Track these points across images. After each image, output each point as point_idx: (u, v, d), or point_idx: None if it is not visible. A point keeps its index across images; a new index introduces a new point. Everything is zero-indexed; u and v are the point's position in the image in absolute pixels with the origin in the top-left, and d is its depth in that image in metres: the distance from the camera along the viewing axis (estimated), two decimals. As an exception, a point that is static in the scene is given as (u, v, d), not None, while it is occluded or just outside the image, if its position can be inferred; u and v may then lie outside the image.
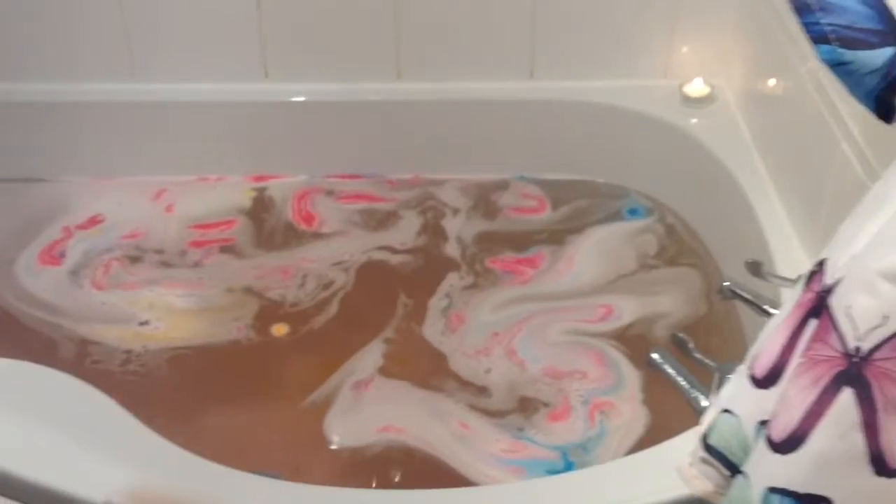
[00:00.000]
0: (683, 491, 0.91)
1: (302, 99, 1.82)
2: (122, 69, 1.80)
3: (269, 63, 1.80)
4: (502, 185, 1.82)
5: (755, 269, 1.25)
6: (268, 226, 1.75)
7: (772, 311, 1.12)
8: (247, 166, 1.86)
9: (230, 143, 1.85)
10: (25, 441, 1.10)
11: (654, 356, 1.11)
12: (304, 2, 1.73)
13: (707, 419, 0.77)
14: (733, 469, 0.72)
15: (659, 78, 1.78)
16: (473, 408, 1.42)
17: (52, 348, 1.51)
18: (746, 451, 0.71)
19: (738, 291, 1.16)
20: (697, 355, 1.10)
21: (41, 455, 1.08)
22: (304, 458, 1.36)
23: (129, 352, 1.50)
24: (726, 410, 0.74)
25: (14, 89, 1.81)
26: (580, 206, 1.78)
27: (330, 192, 1.82)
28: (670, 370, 1.09)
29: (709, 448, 0.74)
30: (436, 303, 1.59)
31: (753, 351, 0.74)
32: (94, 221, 1.76)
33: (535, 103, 1.80)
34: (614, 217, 1.75)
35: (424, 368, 1.48)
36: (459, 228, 1.74)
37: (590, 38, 1.77)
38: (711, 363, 1.06)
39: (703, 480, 0.75)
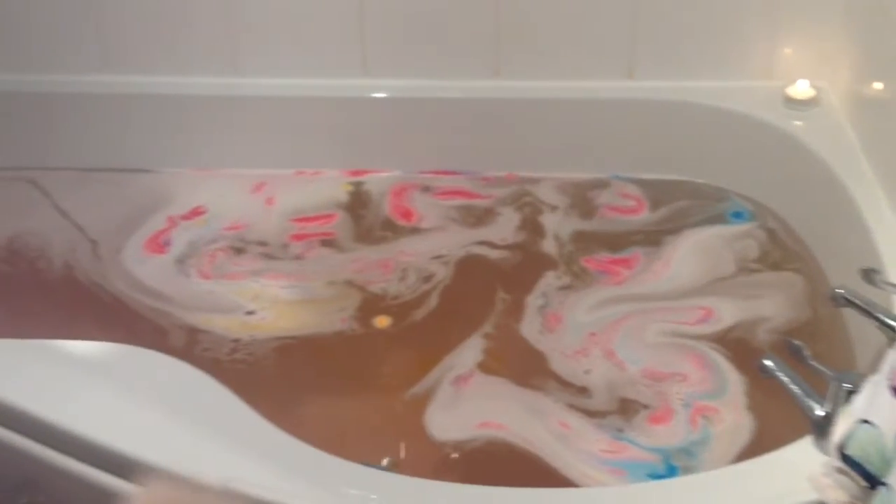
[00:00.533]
0: (806, 497, 0.90)
1: (399, 95, 1.83)
2: (224, 64, 1.84)
3: (368, 59, 1.82)
4: (600, 184, 1.82)
5: (869, 276, 1.23)
6: (366, 221, 1.78)
7: (888, 320, 1.10)
8: (343, 161, 1.88)
9: (328, 137, 1.88)
10: (144, 425, 1.13)
11: (768, 362, 1.09)
12: (406, -1, 1.75)
13: (841, 429, 0.77)
14: (871, 480, 0.72)
15: (761, 79, 1.76)
16: (573, 407, 1.42)
17: (162, 335, 1.55)
18: (886, 461, 0.70)
19: (852, 299, 1.14)
20: (812, 362, 1.08)
21: (156, 438, 1.11)
22: (405, 451, 1.37)
23: (237, 340, 1.53)
24: (865, 421, 0.73)
25: (119, 81, 1.86)
26: (680, 208, 1.76)
27: (426, 188, 1.83)
28: (784, 377, 1.08)
29: (846, 458, 0.74)
30: (533, 301, 1.60)
31: (893, 362, 0.74)
32: (196, 212, 1.80)
33: (635, 103, 1.79)
34: (716, 220, 1.73)
35: (524, 366, 1.49)
36: (557, 226, 1.74)
37: (690, 38, 1.75)
38: (828, 371, 1.04)
39: (837, 490, 0.75)
